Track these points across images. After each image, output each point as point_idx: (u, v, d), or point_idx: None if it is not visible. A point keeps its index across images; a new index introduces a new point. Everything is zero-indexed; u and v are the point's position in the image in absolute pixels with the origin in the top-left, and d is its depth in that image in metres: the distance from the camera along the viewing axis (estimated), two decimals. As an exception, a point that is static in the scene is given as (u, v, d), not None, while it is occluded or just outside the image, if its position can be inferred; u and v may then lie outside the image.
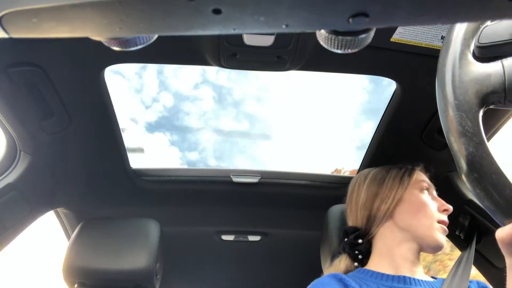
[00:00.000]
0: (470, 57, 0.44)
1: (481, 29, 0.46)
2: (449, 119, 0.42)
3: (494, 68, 0.42)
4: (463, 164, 0.41)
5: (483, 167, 0.39)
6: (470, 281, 0.90)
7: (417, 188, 0.96)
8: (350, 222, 1.01)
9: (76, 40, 0.81)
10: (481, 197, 0.40)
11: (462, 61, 0.43)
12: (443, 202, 0.96)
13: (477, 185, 0.40)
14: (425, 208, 0.92)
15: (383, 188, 0.97)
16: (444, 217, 0.92)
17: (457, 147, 0.41)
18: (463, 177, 0.41)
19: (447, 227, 0.93)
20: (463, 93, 0.42)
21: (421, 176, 0.99)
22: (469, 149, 0.40)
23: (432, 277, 0.93)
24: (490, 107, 0.43)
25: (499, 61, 0.43)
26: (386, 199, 0.95)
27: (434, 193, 0.98)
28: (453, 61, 0.44)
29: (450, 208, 0.94)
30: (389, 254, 0.91)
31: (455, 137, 0.41)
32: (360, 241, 0.96)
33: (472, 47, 0.45)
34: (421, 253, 0.94)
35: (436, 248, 0.90)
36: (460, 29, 0.45)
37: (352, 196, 1.02)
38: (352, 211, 1.00)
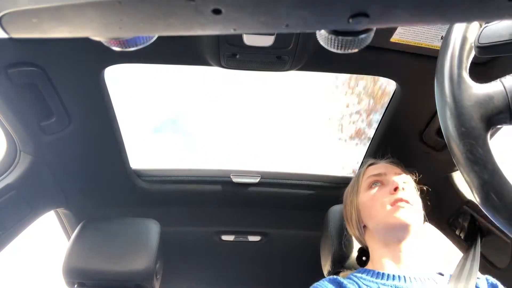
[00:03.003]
0: (468, 79, 0.43)
1: (479, 33, 0.45)
2: (459, 148, 0.41)
3: (494, 89, 0.42)
4: (480, 194, 0.40)
5: (501, 195, 0.39)
6: (478, 278, 0.89)
7: (365, 189, 0.96)
8: (354, 237, 1.02)
9: (76, 40, 0.81)
10: (504, 224, 0.40)
11: (461, 85, 0.42)
12: (394, 181, 0.92)
13: (497, 213, 0.39)
14: (374, 202, 0.91)
15: (347, 202, 1.01)
16: (396, 196, 0.88)
17: (472, 176, 0.40)
18: (481, 206, 0.41)
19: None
20: (469, 119, 0.41)
21: (368, 172, 0.99)
22: (484, 177, 0.39)
23: (439, 273, 0.92)
24: (496, 127, 0.42)
25: (498, 80, 0.42)
26: (350, 214, 0.99)
27: (390, 176, 0.94)
28: (452, 87, 0.42)
29: (398, 184, 0.90)
30: (380, 257, 0.91)
31: (468, 166, 0.40)
32: (364, 258, 1.00)
33: (468, 67, 0.44)
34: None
35: (400, 228, 0.87)
36: (454, 50, 0.44)
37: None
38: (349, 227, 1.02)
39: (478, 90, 0.42)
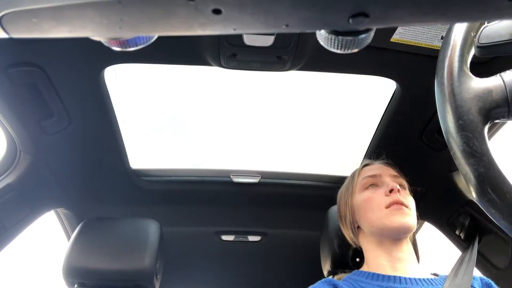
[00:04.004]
0: (468, 72, 0.43)
1: (479, 33, 0.45)
2: (455, 140, 0.41)
3: (494, 83, 0.42)
4: (475, 186, 0.40)
5: (496, 188, 0.39)
6: (473, 278, 0.89)
7: (360, 189, 0.96)
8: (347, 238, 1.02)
9: (76, 40, 0.81)
10: (497, 217, 0.40)
11: (461, 78, 0.42)
12: (389, 182, 0.92)
13: (492, 206, 0.39)
14: (370, 203, 0.91)
15: (341, 203, 1.01)
16: (392, 198, 0.88)
17: (467, 169, 0.40)
18: (476, 198, 0.41)
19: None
20: (467, 112, 0.41)
21: (363, 173, 0.99)
22: (480, 170, 0.39)
23: (434, 274, 0.93)
24: (494, 121, 0.42)
25: (498, 75, 0.42)
26: (344, 215, 0.99)
27: (385, 177, 0.95)
28: (452, 80, 0.43)
29: (394, 185, 0.90)
30: (375, 259, 0.91)
31: (464, 158, 0.40)
32: (358, 259, 1.00)
33: (469, 62, 0.44)
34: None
35: (397, 231, 0.87)
36: (456, 45, 0.44)
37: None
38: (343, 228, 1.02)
39: (477, 83, 0.42)
